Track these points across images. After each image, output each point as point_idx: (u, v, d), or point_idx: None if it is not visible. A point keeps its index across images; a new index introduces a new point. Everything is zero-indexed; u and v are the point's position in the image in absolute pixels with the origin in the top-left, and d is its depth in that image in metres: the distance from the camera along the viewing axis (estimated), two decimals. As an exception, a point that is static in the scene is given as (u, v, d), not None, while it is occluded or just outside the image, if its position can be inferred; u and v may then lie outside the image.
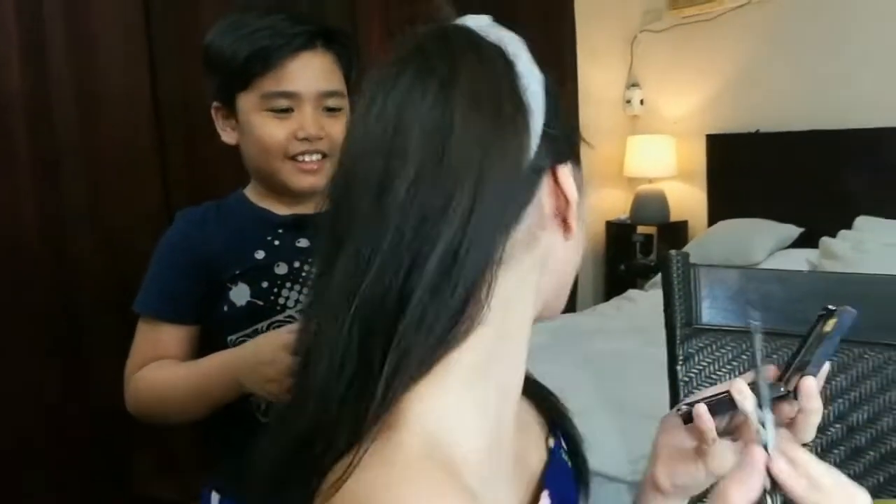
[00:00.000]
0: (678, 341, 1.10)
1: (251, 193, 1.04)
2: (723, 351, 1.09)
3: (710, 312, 1.11)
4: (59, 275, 2.24)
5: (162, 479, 2.37)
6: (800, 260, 2.82)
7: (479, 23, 0.53)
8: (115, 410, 2.21)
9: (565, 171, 0.51)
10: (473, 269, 0.45)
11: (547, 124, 0.49)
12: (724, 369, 1.09)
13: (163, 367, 0.97)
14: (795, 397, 0.54)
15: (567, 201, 0.51)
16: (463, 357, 0.46)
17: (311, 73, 0.95)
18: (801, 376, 0.53)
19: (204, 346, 1.00)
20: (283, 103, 0.94)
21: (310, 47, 0.95)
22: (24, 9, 2.12)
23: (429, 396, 0.45)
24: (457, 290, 0.44)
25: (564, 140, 0.52)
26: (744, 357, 1.08)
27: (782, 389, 0.54)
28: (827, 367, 0.56)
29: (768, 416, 0.51)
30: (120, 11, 2.26)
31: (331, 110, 0.97)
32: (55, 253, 2.23)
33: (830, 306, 0.57)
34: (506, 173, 0.46)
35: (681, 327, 1.10)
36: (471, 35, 0.51)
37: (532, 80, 0.49)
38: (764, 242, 2.95)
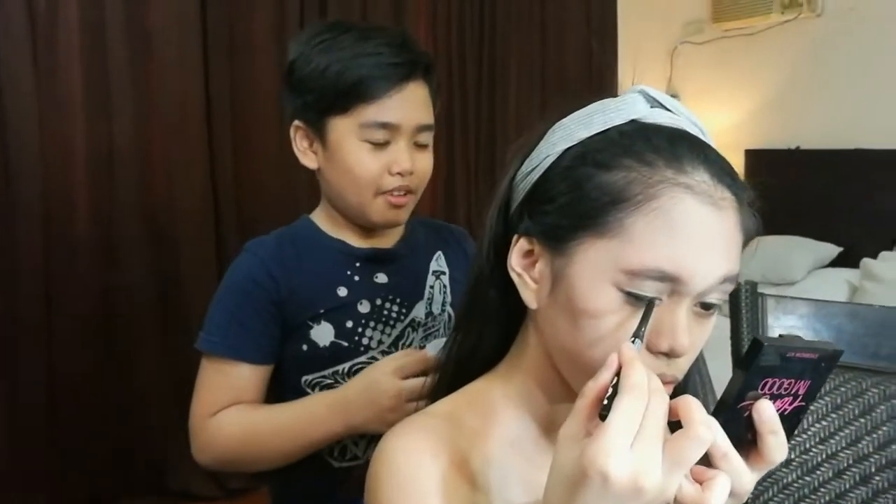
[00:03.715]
0: (745, 370, 1.10)
1: (322, 221, 0.98)
2: (789, 381, 1.09)
3: (777, 342, 1.12)
4: (106, 262, 2.30)
5: (198, 474, 2.41)
6: (839, 280, 2.80)
7: None
8: (151, 403, 2.27)
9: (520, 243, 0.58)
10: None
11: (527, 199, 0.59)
12: (790, 399, 1.09)
13: (253, 411, 0.90)
14: (752, 425, 0.50)
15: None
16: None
17: (411, 104, 0.91)
18: (753, 401, 0.50)
19: (270, 386, 0.94)
20: (381, 134, 0.90)
21: (413, 78, 0.91)
22: (86, 9, 2.17)
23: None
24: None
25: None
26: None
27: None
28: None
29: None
30: (177, 9, 2.30)
31: (420, 146, 0.93)
32: (103, 241, 2.29)
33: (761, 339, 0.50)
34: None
35: (747, 356, 1.11)
36: None
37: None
38: (802, 261, 2.93)
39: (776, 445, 0.49)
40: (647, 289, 0.52)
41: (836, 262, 2.99)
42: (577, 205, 0.54)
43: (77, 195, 2.23)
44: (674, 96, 2.87)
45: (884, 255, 2.74)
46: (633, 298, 0.52)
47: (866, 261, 2.72)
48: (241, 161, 2.48)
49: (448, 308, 1.01)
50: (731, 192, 0.54)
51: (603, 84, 3.46)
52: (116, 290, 2.31)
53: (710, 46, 3.60)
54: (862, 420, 1.03)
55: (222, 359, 0.91)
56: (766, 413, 0.49)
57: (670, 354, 0.53)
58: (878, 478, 1.01)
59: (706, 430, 0.44)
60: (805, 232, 3.09)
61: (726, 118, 3.60)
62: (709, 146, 0.56)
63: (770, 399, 0.50)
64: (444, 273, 1.02)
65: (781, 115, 3.37)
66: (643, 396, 0.44)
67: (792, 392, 0.50)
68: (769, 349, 0.48)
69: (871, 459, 1.02)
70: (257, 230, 2.53)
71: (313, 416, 0.87)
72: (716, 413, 0.49)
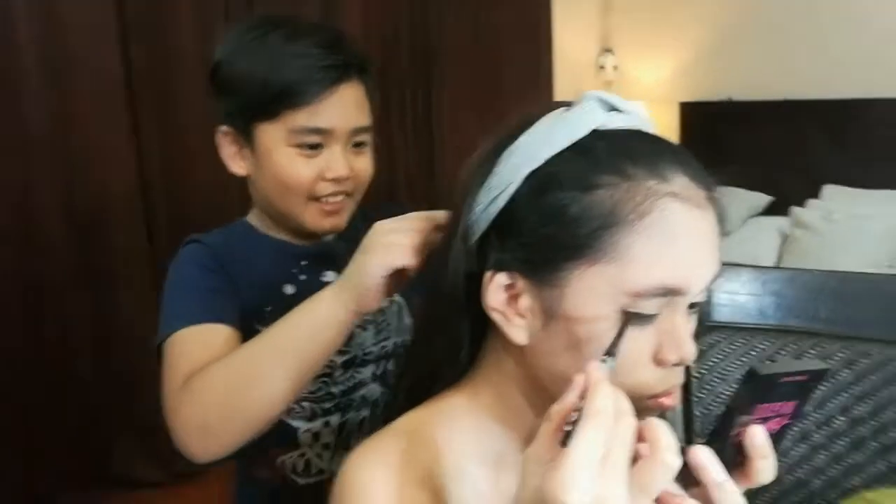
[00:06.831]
0: (690, 339, 1.12)
1: (260, 224, 0.93)
2: (733, 347, 1.13)
3: (720, 310, 1.14)
4: (30, 261, 2.18)
5: (143, 459, 2.38)
6: (771, 229, 2.90)
7: None
8: (93, 390, 2.20)
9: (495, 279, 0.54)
10: None
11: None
12: (734, 364, 1.12)
13: (230, 353, 0.76)
14: (741, 448, 0.51)
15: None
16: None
17: (345, 108, 0.85)
18: (741, 427, 0.51)
19: None
20: (314, 139, 0.84)
21: (345, 80, 0.84)
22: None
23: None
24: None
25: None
26: (753, 353, 1.11)
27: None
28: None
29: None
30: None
31: (357, 146, 0.88)
32: (26, 240, 2.16)
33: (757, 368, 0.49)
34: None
35: (693, 325, 1.13)
36: None
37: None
38: (737, 211, 3.03)
39: (766, 468, 0.50)
40: (650, 306, 0.49)
41: (768, 211, 3.10)
42: (563, 232, 0.50)
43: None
44: (609, 51, 2.88)
45: (811, 202, 2.85)
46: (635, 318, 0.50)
47: (795, 209, 2.83)
48: (168, 147, 2.37)
49: (397, 297, 0.97)
50: (705, 190, 0.53)
51: (539, 43, 3.42)
52: (41, 282, 2.20)
53: (643, 0, 3.61)
54: (801, 381, 1.07)
55: (191, 327, 0.79)
56: (759, 439, 0.49)
57: (679, 364, 0.51)
58: (816, 436, 1.05)
59: (673, 456, 0.43)
60: (737, 182, 3.17)
61: (661, 71, 3.64)
62: (678, 147, 0.54)
63: (761, 422, 0.50)
64: None
65: (714, 67, 3.42)
66: (607, 422, 0.42)
67: (781, 413, 0.51)
68: (765, 378, 0.48)
69: (810, 419, 1.07)
70: (189, 214, 2.41)
71: (313, 300, 0.73)
72: (710, 442, 0.49)
